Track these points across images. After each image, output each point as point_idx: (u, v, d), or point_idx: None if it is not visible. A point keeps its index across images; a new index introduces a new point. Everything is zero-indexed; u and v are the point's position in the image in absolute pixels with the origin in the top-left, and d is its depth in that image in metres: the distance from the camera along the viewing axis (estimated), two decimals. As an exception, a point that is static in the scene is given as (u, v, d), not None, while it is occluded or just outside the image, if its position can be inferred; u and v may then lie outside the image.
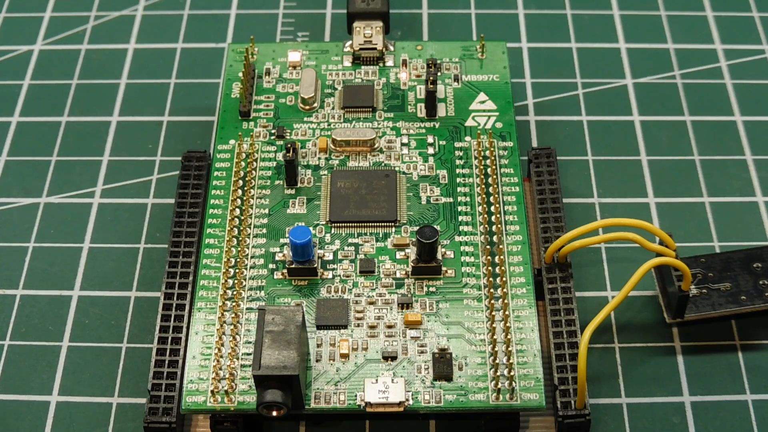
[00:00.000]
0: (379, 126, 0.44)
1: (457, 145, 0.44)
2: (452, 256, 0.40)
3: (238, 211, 0.41)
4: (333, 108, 0.45)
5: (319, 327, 0.38)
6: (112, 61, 0.51)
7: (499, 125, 0.44)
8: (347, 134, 0.43)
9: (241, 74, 0.45)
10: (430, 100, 0.44)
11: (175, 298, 0.39)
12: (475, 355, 0.37)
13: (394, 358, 0.37)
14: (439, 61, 0.46)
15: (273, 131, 0.44)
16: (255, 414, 0.36)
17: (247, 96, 0.45)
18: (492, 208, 0.41)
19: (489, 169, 0.42)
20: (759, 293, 0.40)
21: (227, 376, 0.36)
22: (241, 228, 0.41)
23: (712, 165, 0.47)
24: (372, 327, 0.38)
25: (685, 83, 0.50)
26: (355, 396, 0.36)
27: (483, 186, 0.42)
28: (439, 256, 0.39)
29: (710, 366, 0.40)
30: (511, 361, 0.37)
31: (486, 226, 0.41)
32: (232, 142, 0.44)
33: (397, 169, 0.43)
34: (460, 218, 0.41)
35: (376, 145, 0.43)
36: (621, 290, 0.38)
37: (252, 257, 0.40)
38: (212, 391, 0.36)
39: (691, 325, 0.41)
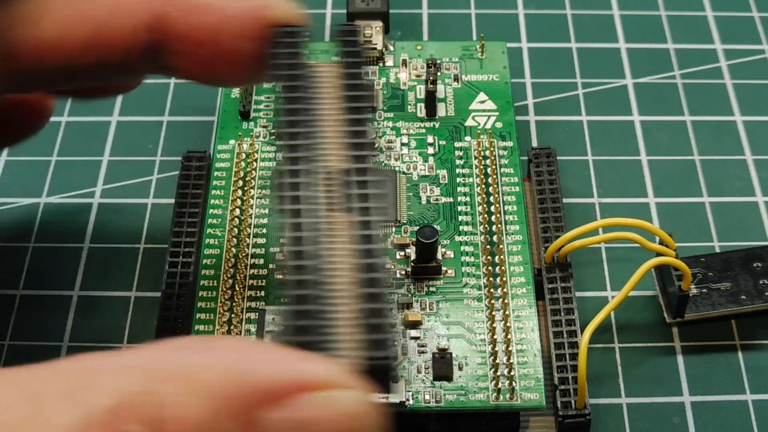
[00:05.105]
0: (379, 126, 0.44)
1: (457, 145, 0.44)
2: (452, 256, 0.40)
3: (238, 211, 0.41)
4: (333, 108, 0.45)
5: (319, 327, 0.38)
6: (112, 61, 0.51)
7: (499, 125, 0.44)
8: (347, 134, 0.43)
9: (241, 74, 0.45)
10: (430, 100, 0.44)
11: (175, 298, 0.39)
12: (475, 355, 0.37)
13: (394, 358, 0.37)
14: (439, 61, 0.46)
15: (273, 131, 0.44)
16: (255, 414, 0.36)
17: (247, 96, 0.45)
18: (492, 208, 0.41)
19: (489, 169, 0.42)
20: (759, 293, 0.40)
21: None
22: (241, 228, 0.41)
23: (712, 165, 0.47)
24: (372, 327, 0.38)
25: (685, 83, 0.50)
26: (355, 396, 0.36)
27: (483, 186, 0.42)
28: (439, 256, 0.39)
29: (710, 366, 0.40)
30: (511, 361, 0.37)
31: (486, 226, 0.40)
32: (232, 142, 0.44)
33: (397, 169, 0.43)
34: (460, 218, 0.41)
35: (376, 145, 0.43)
36: (621, 290, 0.38)
37: (252, 257, 0.40)
38: (212, 391, 0.36)
39: (691, 325, 0.41)
